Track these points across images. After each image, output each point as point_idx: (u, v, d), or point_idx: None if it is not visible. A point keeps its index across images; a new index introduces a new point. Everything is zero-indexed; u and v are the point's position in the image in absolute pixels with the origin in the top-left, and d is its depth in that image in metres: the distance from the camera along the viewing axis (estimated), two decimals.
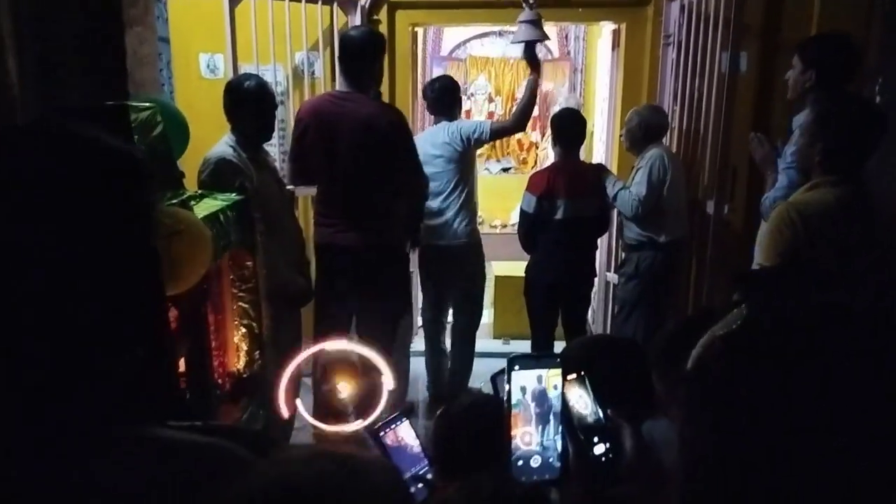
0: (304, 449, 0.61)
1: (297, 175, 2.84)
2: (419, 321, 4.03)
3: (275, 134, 3.62)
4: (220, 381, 2.07)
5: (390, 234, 2.85)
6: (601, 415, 0.84)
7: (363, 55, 2.64)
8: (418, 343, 3.73)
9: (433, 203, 3.16)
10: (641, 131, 3.18)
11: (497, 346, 4.21)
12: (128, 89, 2.24)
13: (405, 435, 1.06)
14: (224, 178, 2.26)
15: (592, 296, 3.90)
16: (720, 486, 0.55)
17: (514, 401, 0.82)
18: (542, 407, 0.82)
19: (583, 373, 0.87)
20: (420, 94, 3.95)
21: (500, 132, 3.29)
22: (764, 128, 2.99)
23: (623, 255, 3.45)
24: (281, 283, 2.45)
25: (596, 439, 0.81)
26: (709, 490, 0.56)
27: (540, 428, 0.82)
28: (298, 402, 1.84)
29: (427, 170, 2.99)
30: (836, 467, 0.50)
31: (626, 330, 3.27)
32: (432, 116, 3.49)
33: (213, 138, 2.73)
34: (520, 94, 6.70)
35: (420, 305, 3.74)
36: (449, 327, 3.62)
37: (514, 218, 5.47)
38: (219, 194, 2.06)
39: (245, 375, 2.26)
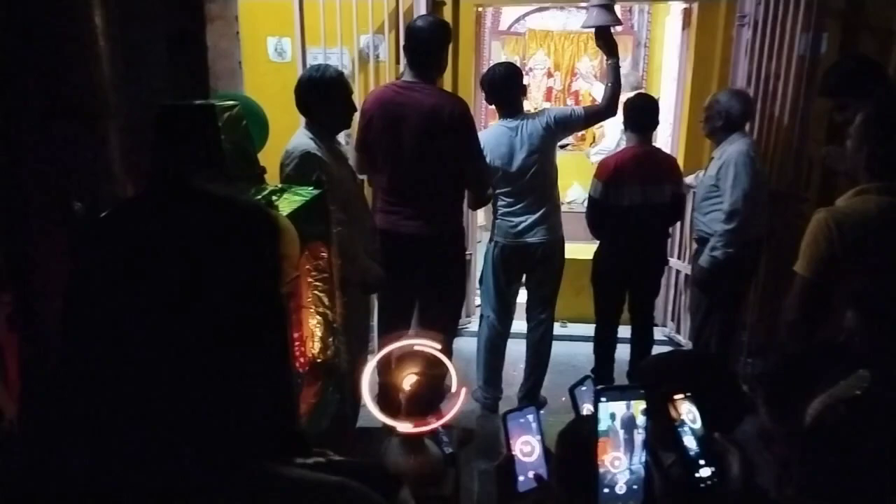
0: None
1: (364, 165, 2.89)
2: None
3: None
4: (299, 368, 2.16)
5: (454, 222, 2.88)
6: (708, 435, 0.86)
7: (430, 45, 2.65)
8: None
9: (527, 200, 3.06)
10: (722, 119, 3.01)
11: (555, 328, 4.21)
12: (209, 84, 2.32)
13: (530, 427, 1.09)
14: (309, 171, 2.31)
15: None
16: None
17: (603, 427, 0.85)
18: (630, 433, 0.85)
19: (689, 393, 0.89)
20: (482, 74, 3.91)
21: (595, 116, 3.14)
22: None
23: (696, 246, 3.34)
24: (360, 271, 2.52)
25: (702, 462, 0.83)
26: None
27: (628, 454, 0.85)
28: (369, 400, 1.91)
29: (526, 173, 2.97)
30: None
31: (708, 327, 3.20)
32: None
33: (281, 122, 2.80)
34: (581, 67, 6.61)
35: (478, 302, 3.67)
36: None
37: (571, 196, 5.44)
38: (299, 188, 2.12)
39: (319, 360, 2.35)
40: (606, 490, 0.84)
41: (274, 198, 1.96)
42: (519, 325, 3.40)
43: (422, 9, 3.60)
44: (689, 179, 3.60)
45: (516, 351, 3.50)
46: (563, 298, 3.35)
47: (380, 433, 2.57)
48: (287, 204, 1.92)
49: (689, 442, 0.83)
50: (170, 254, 0.59)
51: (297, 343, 2.09)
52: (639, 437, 0.85)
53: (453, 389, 1.89)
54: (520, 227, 3.08)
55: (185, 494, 0.57)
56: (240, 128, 1.93)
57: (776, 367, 1.14)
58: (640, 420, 0.85)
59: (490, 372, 3.36)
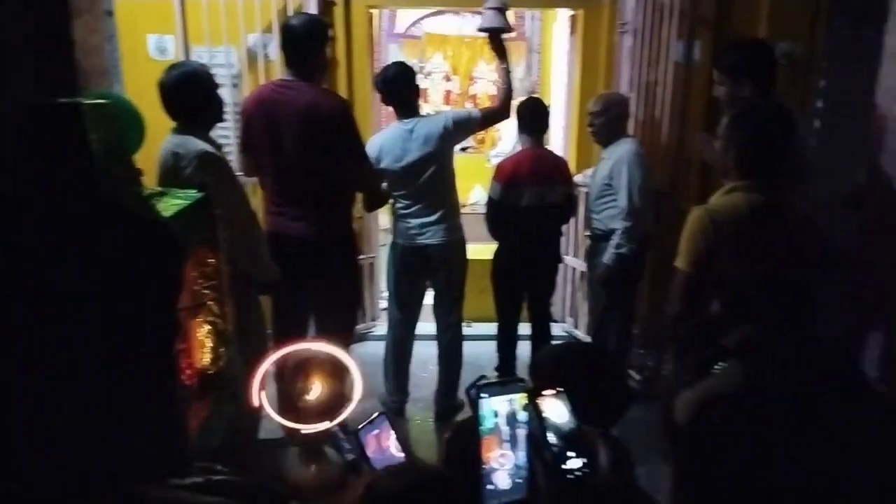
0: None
1: (247, 166, 2.81)
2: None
3: (230, 121, 3.58)
4: (187, 380, 2.05)
5: (343, 224, 2.84)
6: (578, 428, 0.87)
7: (305, 43, 2.60)
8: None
9: (423, 202, 3.05)
10: (620, 121, 3.18)
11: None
12: (78, 82, 2.15)
13: (385, 436, 1.07)
14: (211, 172, 2.23)
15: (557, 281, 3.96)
16: None
17: (489, 425, 0.85)
18: (513, 429, 0.86)
19: (561, 389, 0.90)
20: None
21: (491, 118, 3.15)
22: (717, 119, 3.08)
23: (589, 243, 3.46)
24: (263, 270, 2.44)
25: (572, 453, 0.85)
26: None
27: (513, 449, 0.86)
28: (264, 399, 1.83)
29: (421, 174, 2.96)
30: None
31: (608, 321, 3.34)
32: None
33: (162, 123, 2.64)
34: (477, 72, 6.72)
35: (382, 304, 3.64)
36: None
37: (473, 198, 5.52)
38: (179, 191, 2.01)
39: (210, 372, 2.24)
40: (491, 487, 0.84)
41: (153, 201, 1.85)
42: (429, 327, 3.40)
43: (311, 7, 3.53)
44: (578, 178, 3.74)
45: (426, 353, 3.49)
46: (467, 299, 3.38)
47: (280, 444, 2.48)
48: (168, 208, 1.82)
49: (558, 435, 0.84)
50: (67, 265, 0.54)
51: (183, 355, 1.98)
52: (521, 431, 0.85)
53: (355, 394, 1.85)
54: (417, 229, 3.08)
55: None
56: (111, 128, 1.80)
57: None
58: (522, 415, 0.85)
59: (396, 375, 3.34)
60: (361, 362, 3.94)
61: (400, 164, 2.98)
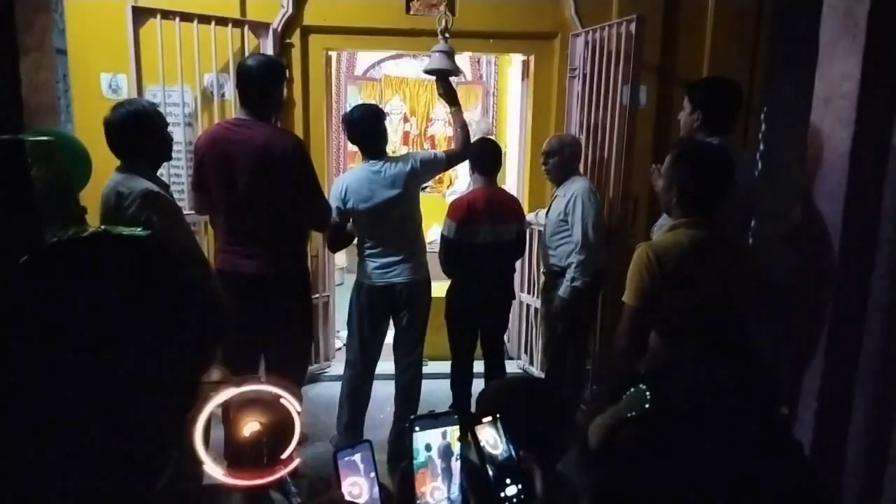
0: None
1: (200, 204, 2.78)
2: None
3: (182, 159, 3.56)
4: None
5: (296, 262, 2.84)
6: (514, 456, 0.87)
7: (259, 83, 2.62)
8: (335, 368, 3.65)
9: (391, 242, 3.05)
10: (573, 160, 3.29)
11: None
12: (22, 119, 2.12)
13: (364, 464, 1.04)
14: (153, 210, 2.20)
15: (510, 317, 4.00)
16: None
17: (421, 459, 0.85)
18: (447, 462, 0.86)
19: (497, 416, 0.90)
20: (335, 117, 3.93)
21: (454, 159, 3.19)
22: (662, 159, 3.20)
23: (543, 279, 3.52)
24: None
25: (508, 480, 0.85)
26: None
27: (446, 483, 0.86)
28: (204, 456, 1.78)
29: (390, 214, 2.97)
30: None
31: (562, 357, 3.36)
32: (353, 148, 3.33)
33: (114, 162, 2.61)
34: (434, 114, 6.85)
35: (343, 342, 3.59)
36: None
37: (431, 237, 5.56)
38: (123, 229, 1.98)
39: None
40: None
41: None
42: (384, 366, 3.36)
43: (269, 49, 3.57)
44: (530, 217, 3.82)
45: (383, 392, 3.45)
46: (425, 337, 3.38)
47: (224, 490, 2.40)
48: None
49: (494, 463, 0.85)
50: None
51: None
52: (456, 464, 0.86)
53: (294, 436, 1.81)
54: (385, 269, 3.06)
55: None
56: (54, 165, 1.78)
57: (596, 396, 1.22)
58: (456, 447, 0.86)
59: (351, 417, 3.27)
60: (314, 403, 3.89)
61: (367, 204, 2.97)
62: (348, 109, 3.16)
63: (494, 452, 0.85)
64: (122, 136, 2.36)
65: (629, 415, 0.65)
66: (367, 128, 3.01)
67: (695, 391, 0.62)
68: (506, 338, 4.23)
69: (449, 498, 0.85)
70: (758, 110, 3.61)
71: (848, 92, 2.09)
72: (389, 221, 3.02)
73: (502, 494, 0.82)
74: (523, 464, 0.85)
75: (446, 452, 0.86)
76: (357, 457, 1.06)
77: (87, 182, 2.28)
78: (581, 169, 3.49)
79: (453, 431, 0.86)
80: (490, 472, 0.83)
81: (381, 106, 6.58)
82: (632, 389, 0.65)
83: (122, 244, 0.60)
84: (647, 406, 0.65)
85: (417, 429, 0.84)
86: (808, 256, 2.32)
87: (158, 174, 2.51)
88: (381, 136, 3.06)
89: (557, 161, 3.28)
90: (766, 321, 2.33)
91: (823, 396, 2.20)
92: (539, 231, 3.90)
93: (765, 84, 3.72)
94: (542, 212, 3.57)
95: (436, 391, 3.72)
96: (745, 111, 3.57)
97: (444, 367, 3.70)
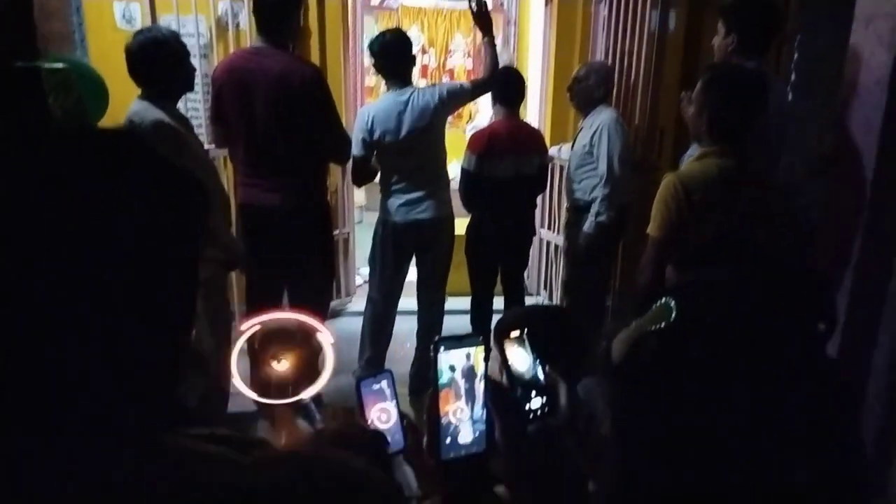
0: (297, 456, 0.63)
1: (218, 137, 2.76)
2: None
3: (199, 91, 3.51)
4: None
5: (316, 195, 2.81)
6: (539, 371, 0.88)
7: (277, 9, 2.54)
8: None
9: (417, 176, 3.00)
10: (601, 90, 3.16)
11: None
12: (37, 46, 2.09)
13: (384, 393, 1.06)
14: (162, 142, 2.16)
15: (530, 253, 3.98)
16: (653, 474, 0.60)
17: (445, 379, 0.85)
18: (471, 383, 0.86)
19: (523, 333, 0.91)
20: (351, 48, 3.83)
21: (480, 89, 3.08)
22: (691, 88, 3.08)
23: (567, 214, 3.47)
24: (221, 247, 2.40)
25: (533, 393, 0.86)
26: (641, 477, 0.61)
27: (470, 403, 0.86)
28: (236, 376, 1.82)
29: (417, 147, 2.91)
30: (764, 457, 0.56)
31: (582, 292, 3.34)
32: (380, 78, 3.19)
33: (130, 93, 2.58)
34: (453, 45, 6.66)
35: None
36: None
37: (451, 173, 5.51)
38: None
39: None
40: (449, 440, 0.84)
41: None
42: (406, 301, 3.38)
43: None
44: (552, 151, 3.73)
45: (406, 328, 3.48)
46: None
47: (249, 417, 2.48)
48: None
49: (521, 378, 0.86)
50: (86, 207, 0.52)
51: None
52: (479, 385, 0.86)
53: (326, 364, 1.84)
54: (410, 205, 3.02)
55: (68, 461, 0.52)
56: (71, 93, 1.76)
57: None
58: (481, 368, 0.86)
59: (373, 352, 3.33)
60: (336, 338, 3.94)
61: (394, 136, 2.90)
62: (369, 39, 3.06)
63: (521, 369, 0.86)
64: (140, 63, 2.31)
65: (653, 328, 0.63)
66: (395, 53, 2.90)
67: (726, 306, 0.60)
68: (525, 274, 4.23)
69: (472, 418, 0.86)
70: (792, 35, 3.44)
71: (893, 11, 1.97)
72: (416, 155, 2.96)
73: (527, 407, 0.83)
74: (548, 379, 0.85)
75: (470, 373, 0.86)
76: (380, 385, 1.07)
77: (105, 112, 2.25)
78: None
79: (477, 353, 0.86)
80: (516, 386, 0.84)
81: None
82: (658, 302, 0.64)
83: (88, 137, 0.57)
84: (672, 319, 0.64)
85: (443, 349, 0.84)
86: (839, 189, 2.25)
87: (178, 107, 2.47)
88: (409, 63, 2.96)
89: (583, 88, 3.17)
90: (794, 254, 2.28)
91: (846, 335, 2.17)
92: (561, 166, 3.85)
93: (800, 6, 3.53)
94: (566, 146, 3.49)
95: (455, 327, 3.75)
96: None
97: (464, 302, 3.73)
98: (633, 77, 3.39)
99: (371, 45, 3.00)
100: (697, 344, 0.61)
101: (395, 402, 1.08)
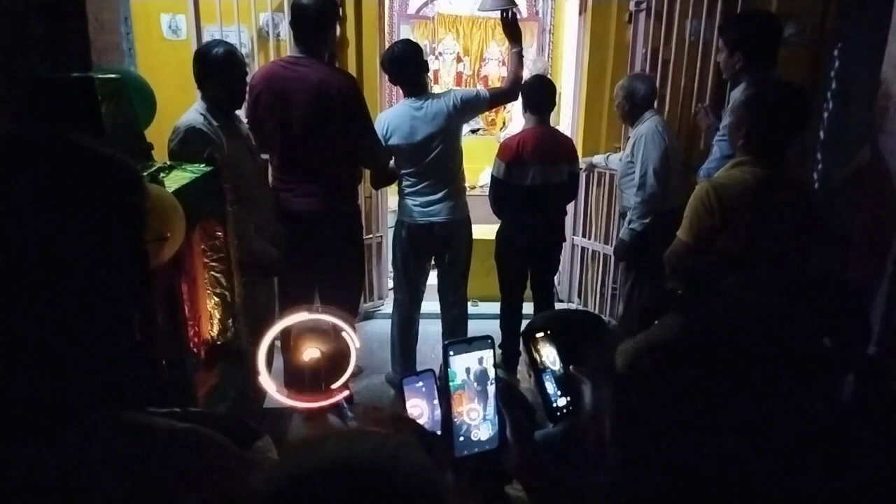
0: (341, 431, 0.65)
1: (256, 143, 2.85)
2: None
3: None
4: (195, 349, 2.12)
5: (348, 200, 2.89)
6: (565, 371, 0.92)
7: (314, 21, 2.63)
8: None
9: (431, 180, 3.08)
10: (628, 103, 3.21)
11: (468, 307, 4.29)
12: (91, 58, 2.21)
13: (427, 389, 1.11)
14: (193, 147, 2.26)
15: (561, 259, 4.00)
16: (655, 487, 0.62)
17: (458, 381, 0.89)
18: (483, 385, 0.91)
19: (549, 332, 0.95)
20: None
21: (498, 99, 3.18)
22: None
23: (619, 220, 3.54)
24: (252, 251, 2.48)
25: (559, 392, 0.90)
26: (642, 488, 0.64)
27: (482, 404, 0.91)
28: (265, 375, 1.88)
29: (430, 152, 2.98)
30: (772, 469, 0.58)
31: (635, 297, 3.37)
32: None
33: (175, 101, 2.71)
34: (488, 53, 6.70)
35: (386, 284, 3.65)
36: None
37: (483, 180, 5.54)
38: (188, 165, 2.06)
39: (219, 343, 2.30)
40: (462, 439, 0.89)
41: (161, 174, 1.91)
42: (434, 306, 3.45)
43: None
44: (597, 159, 3.81)
45: (434, 331, 3.54)
46: (475, 278, 3.43)
47: (285, 413, 2.55)
48: (174, 180, 1.87)
49: (549, 377, 0.90)
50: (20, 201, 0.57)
51: (190, 323, 2.04)
52: (491, 387, 0.90)
53: (350, 362, 1.90)
54: (424, 207, 3.11)
55: (26, 440, 0.56)
56: (122, 102, 1.85)
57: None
58: (491, 371, 0.90)
59: (402, 353, 3.40)
60: (368, 339, 4.05)
61: (409, 141, 3.00)
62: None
63: (553, 367, 0.90)
64: (195, 69, 2.47)
65: (658, 340, 0.66)
66: (406, 65, 3.00)
67: (731, 323, 0.62)
68: (556, 280, 4.24)
69: (484, 418, 0.90)
70: (828, 48, 3.39)
71: None
72: (429, 159, 3.04)
73: (554, 405, 0.87)
74: (573, 379, 0.88)
75: (482, 376, 0.90)
76: (420, 383, 1.12)
77: (152, 120, 2.36)
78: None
79: (488, 357, 0.91)
80: (543, 386, 0.88)
81: (434, 45, 6.55)
82: (664, 316, 0.66)
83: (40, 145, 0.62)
84: (677, 334, 0.66)
85: (452, 353, 0.88)
86: (874, 197, 2.22)
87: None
88: (421, 70, 3.05)
89: (617, 105, 3.26)
90: (828, 263, 2.26)
91: (881, 341, 2.14)
92: (599, 173, 3.97)
93: (840, 18, 3.49)
94: (615, 155, 3.59)
95: (485, 332, 3.78)
96: (813, 48, 3.38)
97: (494, 307, 3.76)
98: (671, 85, 3.41)
99: (382, 60, 3.11)
100: (701, 361, 0.62)
101: (435, 400, 1.13)
